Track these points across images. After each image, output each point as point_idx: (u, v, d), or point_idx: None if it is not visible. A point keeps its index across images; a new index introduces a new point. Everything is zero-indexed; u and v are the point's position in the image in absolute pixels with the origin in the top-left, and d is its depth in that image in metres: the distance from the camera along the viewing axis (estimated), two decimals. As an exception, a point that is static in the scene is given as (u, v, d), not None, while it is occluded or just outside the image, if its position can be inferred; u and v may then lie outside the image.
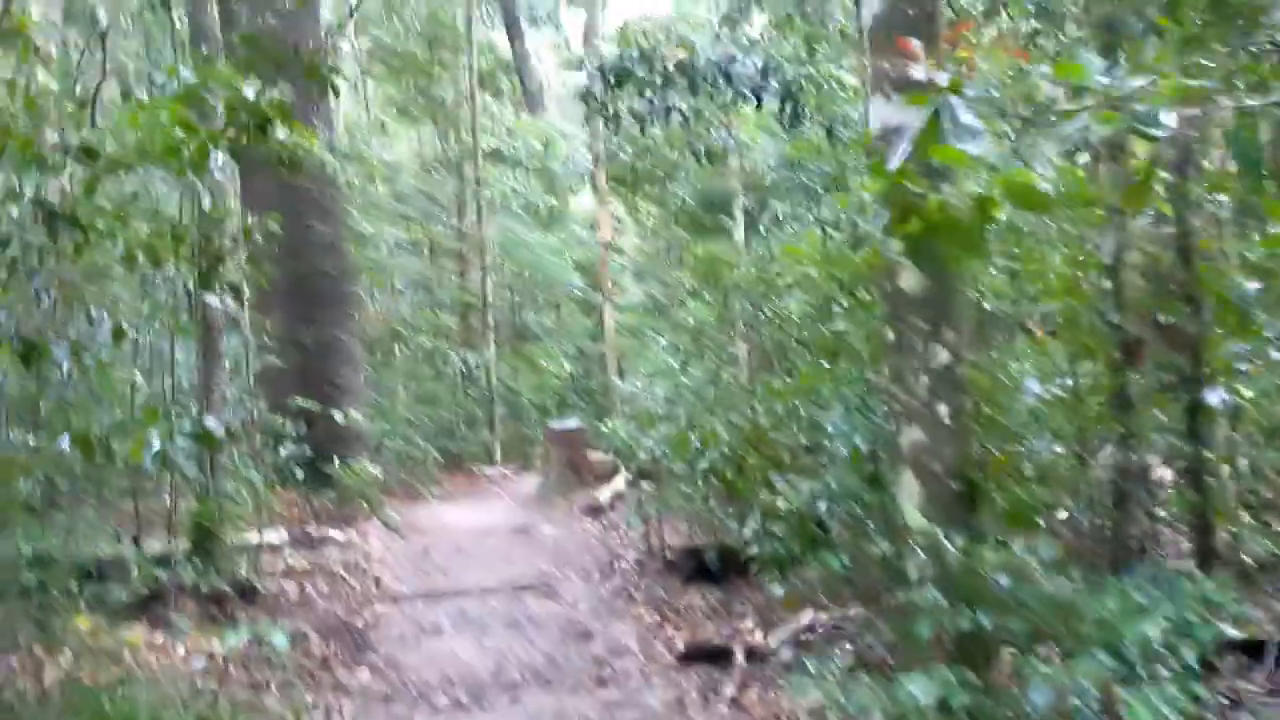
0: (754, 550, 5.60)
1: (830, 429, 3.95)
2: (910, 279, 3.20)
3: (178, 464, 3.69)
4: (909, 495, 3.30)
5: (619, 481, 13.76)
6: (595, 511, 12.12)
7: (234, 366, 11.69)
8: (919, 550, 3.26)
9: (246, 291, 9.61)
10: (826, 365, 4.71)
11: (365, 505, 12.50)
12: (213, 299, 6.91)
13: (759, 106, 9.32)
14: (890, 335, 3.33)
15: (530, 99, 30.96)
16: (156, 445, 3.53)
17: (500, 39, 31.72)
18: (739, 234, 14.29)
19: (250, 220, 10.70)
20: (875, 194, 4.64)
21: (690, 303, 18.44)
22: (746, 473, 4.90)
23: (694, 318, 13.12)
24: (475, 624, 7.52)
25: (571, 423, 14.52)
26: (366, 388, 17.05)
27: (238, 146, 3.95)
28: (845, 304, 4.16)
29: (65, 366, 3.53)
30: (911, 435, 3.23)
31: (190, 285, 6.88)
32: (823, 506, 4.21)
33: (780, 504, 4.84)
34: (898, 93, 3.19)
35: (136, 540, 7.36)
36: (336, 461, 11.91)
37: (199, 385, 8.56)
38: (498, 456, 20.21)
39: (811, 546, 4.58)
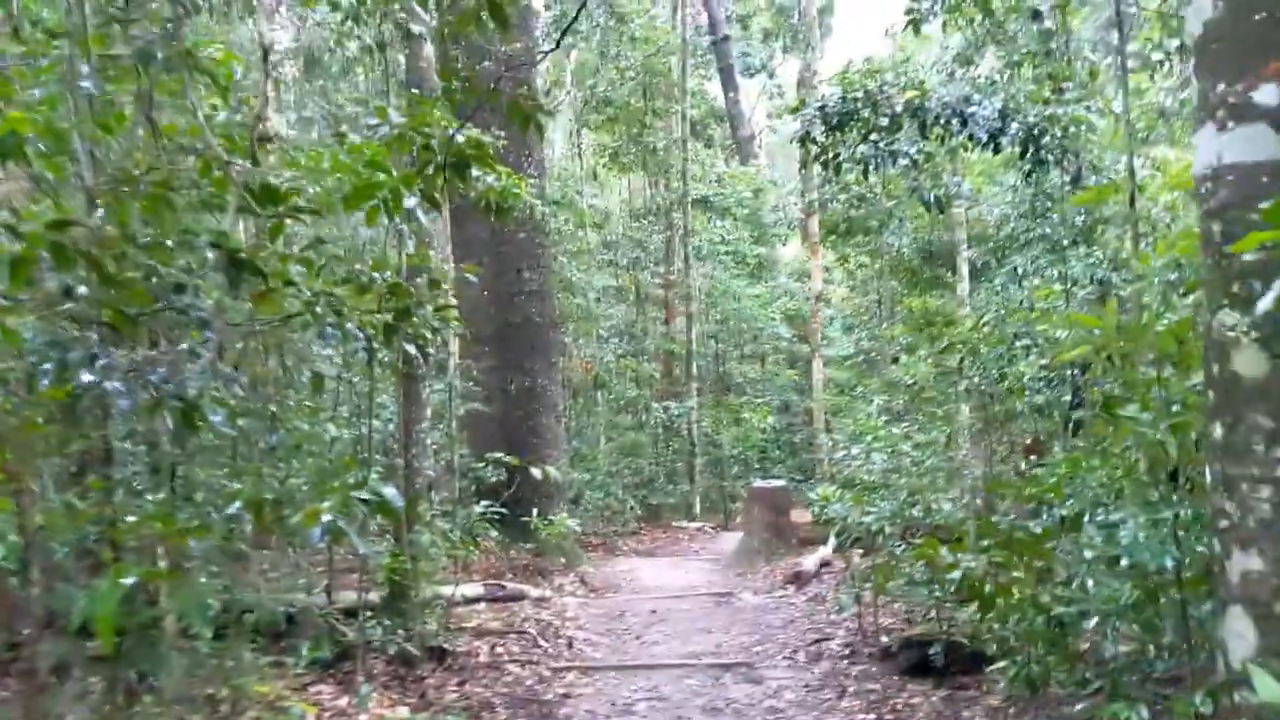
0: (998, 659, 4.80)
1: (1123, 538, 3.20)
2: (1252, 362, 2.45)
3: (349, 535, 3.28)
4: (1237, 640, 2.52)
5: (826, 548, 12.97)
6: (799, 580, 11.38)
7: (436, 413, 11.67)
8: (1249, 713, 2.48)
9: (451, 339, 9.48)
10: (1099, 455, 3.96)
11: (562, 559, 12.20)
12: (410, 347, 6.68)
13: (996, 151, 8.51)
14: (1218, 431, 2.58)
15: (741, 147, 30.74)
16: (327, 517, 3.18)
17: (713, 88, 31.71)
18: (963, 288, 13.33)
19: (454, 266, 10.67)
20: (1178, 248, 3.84)
21: (905, 358, 17.53)
22: (1005, 585, 4.18)
23: (911, 375, 12.29)
24: (670, 706, 6.94)
25: (777, 481, 13.84)
26: (567, 436, 16.94)
27: (432, 189, 3.61)
28: (1129, 383, 3.46)
29: (219, 420, 3.26)
30: (1245, 564, 2.46)
31: (376, 332, 6.71)
32: (1105, 635, 3.43)
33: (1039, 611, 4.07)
34: (1238, 122, 2.47)
35: (329, 591, 7.18)
36: (535, 513, 11.65)
37: (400, 433, 8.41)
38: (697, 511, 19.69)
39: (1081, 681, 3.80)
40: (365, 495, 3.47)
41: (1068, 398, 10.48)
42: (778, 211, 23.12)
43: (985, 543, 4.38)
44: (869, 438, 8.26)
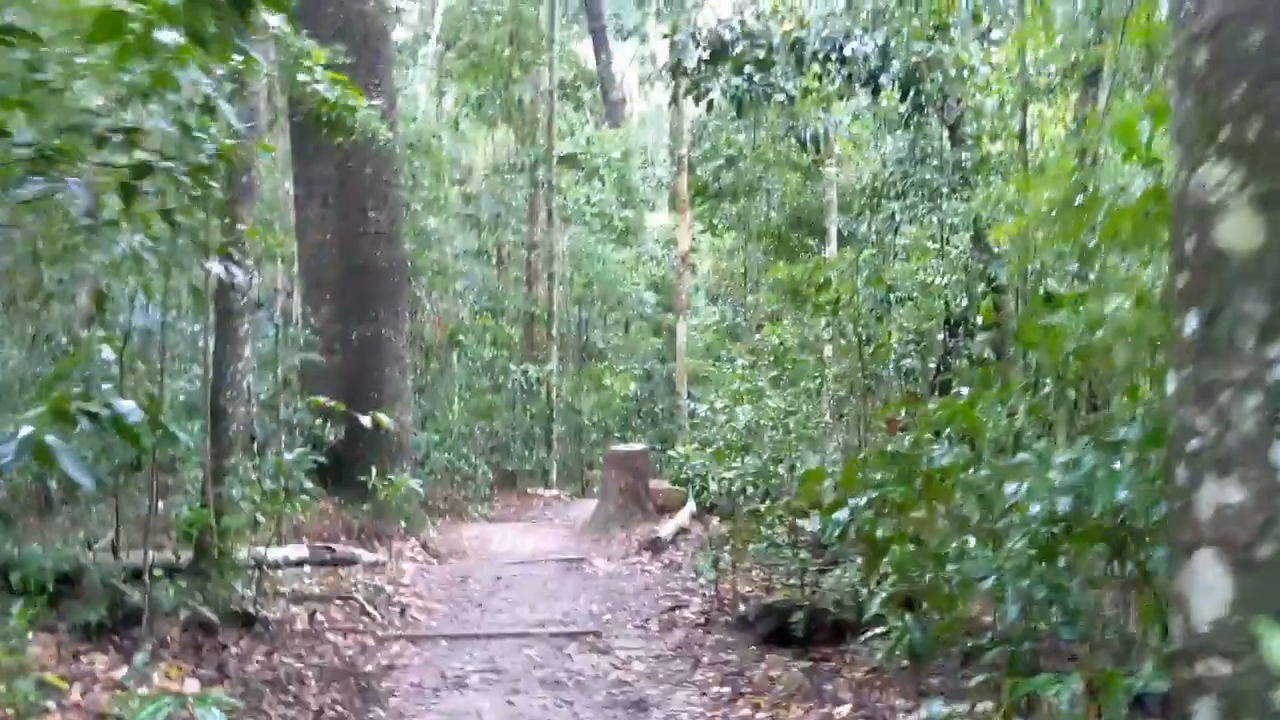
0: (874, 624, 4.24)
1: (1061, 474, 2.66)
2: (1243, 230, 1.87)
3: (60, 458, 2.46)
4: (1204, 595, 1.96)
5: (684, 514, 12.46)
6: (656, 547, 10.81)
7: (266, 362, 10.66)
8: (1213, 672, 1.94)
9: (280, 276, 8.52)
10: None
11: (404, 522, 11.33)
12: (216, 266, 5.76)
13: (876, 93, 8.01)
14: (1190, 325, 2.00)
15: (611, 112, 30.03)
16: (26, 430, 2.36)
17: (583, 50, 30.88)
18: (830, 251, 12.93)
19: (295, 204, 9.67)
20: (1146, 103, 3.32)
21: (769, 326, 17.16)
22: (900, 532, 3.62)
23: (778, 337, 11.82)
24: (507, 678, 6.24)
25: (635, 446, 13.24)
26: (415, 394, 15.99)
27: (202, 26, 2.79)
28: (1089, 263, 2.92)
29: None
30: (1220, 495, 1.88)
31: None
32: (1010, 591, 2.88)
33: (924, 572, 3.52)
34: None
35: (115, 549, 6.22)
36: (373, 472, 10.75)
37: (209, 377, 7.43)
38: (554, 478, 19.00)
39: (977, 648, 3.27)
40: (94, 409, 2.65)
41: (934, 362, 10.15)
42: (646, 170, 22.43)
43: (879, 476, 3.80)
44: (734, 390, 7.70)
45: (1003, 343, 8.13)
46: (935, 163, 7.78)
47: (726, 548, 7.53)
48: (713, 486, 7.27)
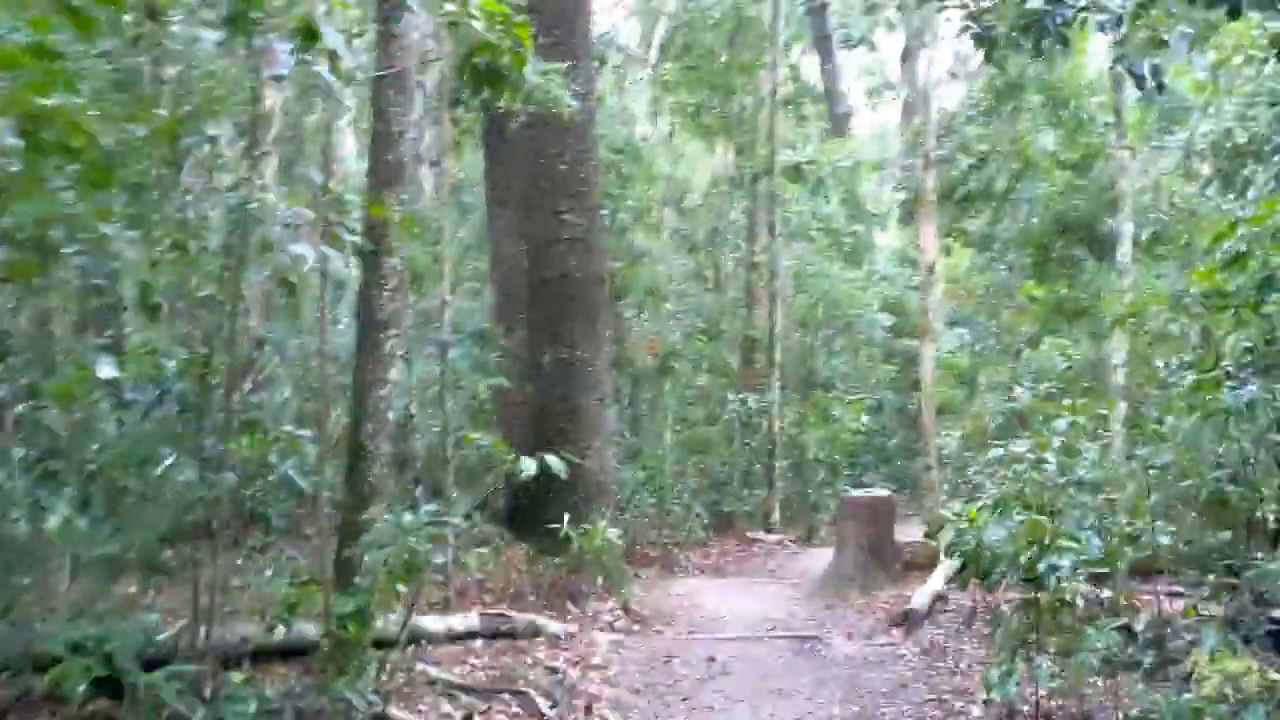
0: None
1: None
2: None
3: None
4: None
5: (938, 576, 10.20)
6: (909, 621, 8.65)
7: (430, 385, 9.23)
8: None
9: (446, 280, 7.00)
10: None
11: (600, 579, 9.61)
12: (303, 248, 4.17)
13: (1234, 15, 5.69)
14: None
15: (837, 124, 27.95)
16: None
17: (806, 64, 28.94)
18: (1124, 255, 10.39)
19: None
20: None
21: (1030, 351, 14.61)
22: None
23: (1063, 357, 9.42)
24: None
25: (878, 491, 11.06)
26: (622, 427, 14.35)
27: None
28: None
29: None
30: None
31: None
32: None
33: None
34: None
35: (196, 633, 4.71)
36: (567, 519, 9.09)
37: (352, 398, 5.91)
38: (776, 521, 16.92)
39: None
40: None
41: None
42: (878, 184, 20.09)
43: None
44: (1038, 427, 5.54)
45: None
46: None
47: (1024, 649, 5.33)
48: (1002, 563, 5.09)
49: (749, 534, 16.15)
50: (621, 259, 14.84)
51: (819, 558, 13.69)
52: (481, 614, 7.37)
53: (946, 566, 10.80)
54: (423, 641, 6.77)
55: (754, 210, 20.26)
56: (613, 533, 8.87)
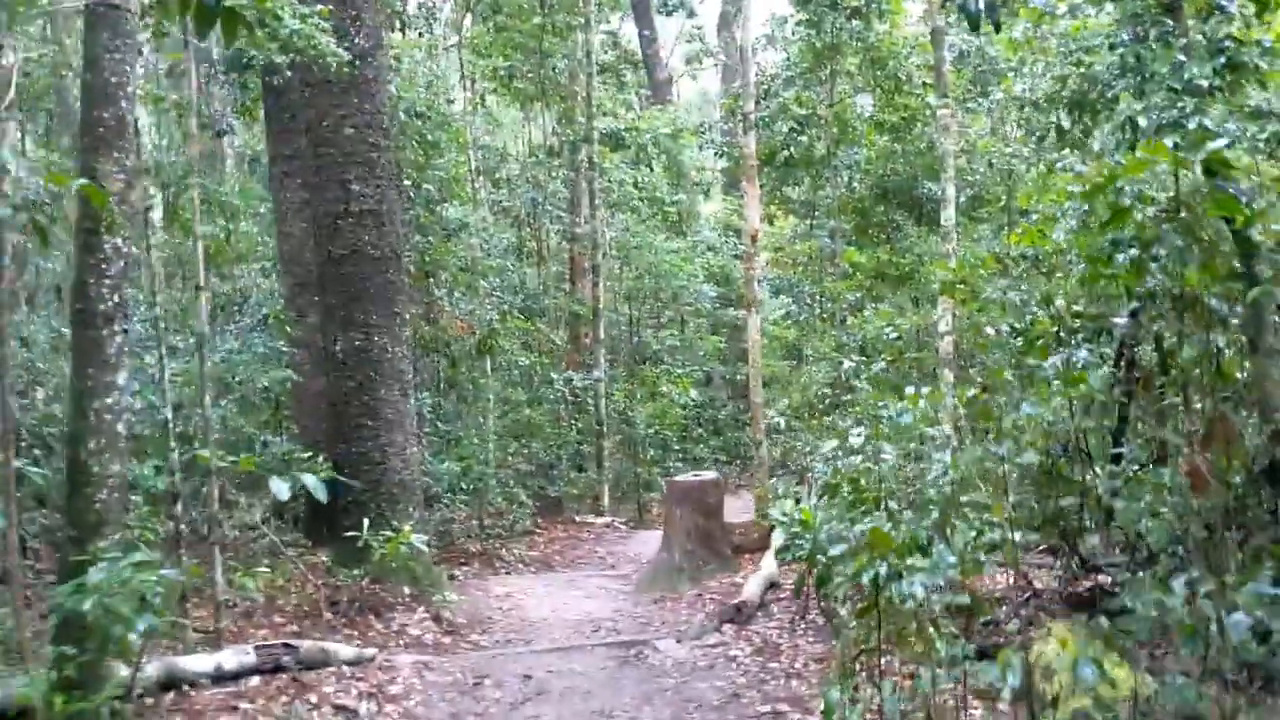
0: None
1: None
2: None
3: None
4: None
5: (770, 561, 9.73)
6: (740, 614, 8.08)
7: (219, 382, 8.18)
8: None
9: (200, 262, 5.95)
10: None
11: (409, 589, 8.71)
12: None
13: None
14: None
15: (657, 91, 27.45)
16: None
17: (625, 30, 28.28)
18: (949, 222, 10.08)
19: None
20: None
21: (856, 317, 14.33)
22: None
23: (889, 327, 9.03)
24: None
25: (705, 474, 10.50)
26: (435, 414, 13.41)
27: None
28: None
29: None
30: None
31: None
32: None
33: None
34: None
35: None
36: (366, 525, 8.14)
37: (71, 411, 4.84)
38: (605, 503, 16.31)
39: None
40: None
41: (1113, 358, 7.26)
42: (705, 135, 19.61)
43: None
44: (868, 406, 4.98)
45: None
46: (1183, 44, 4.96)
47: (865, 661, 4.76)
48: (841, 562, 4.49)
49: (578, 519, 15.49)
50: (433, 234, 13.83)
51: (649, 540, 13.13)
52: (259, 646, 6.38)
53: (775, 549, 10.38)
54: (184, 687, 5.77)
55: (575, 180, 19.49)
56: (418, 538, 7.96)
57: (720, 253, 22.72)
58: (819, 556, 4.79)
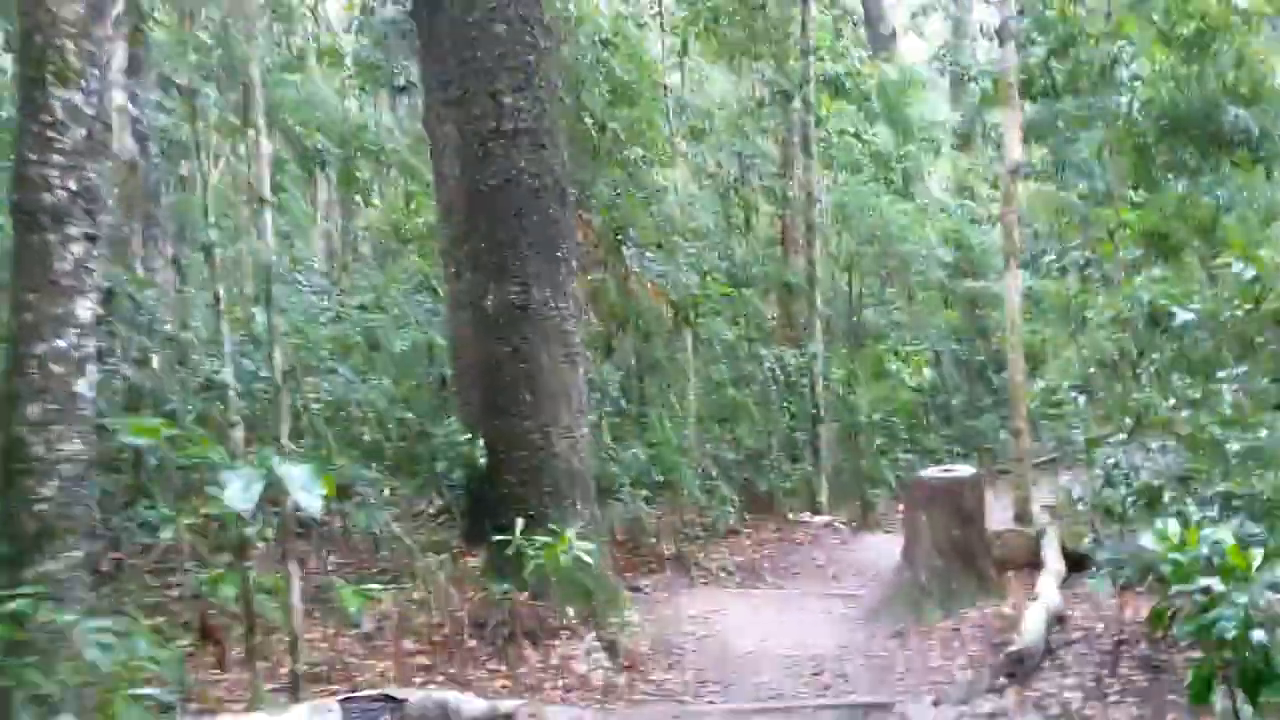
0: None
1: None
2: None
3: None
4: None
5: (1048, 582, 7.34)
6: (1022, 666, 5.76)
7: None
8: None
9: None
10: None
11: (574, 608, 6.83)
12: None
13: None
14: None
15: (878, 45, 24.96)
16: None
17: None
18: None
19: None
20: None
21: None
22: None
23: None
24: None
25: (959, 469, 8.10)
26: (623, 393, 11.55)
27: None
28: None
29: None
30: None
31: None
32: None
33: None
34: None
35: None
36: (520, 526, 6.29)
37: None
38: (823, 500, 14.06)
39: None
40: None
41: None
42: (945, 58, 16.98)
43: None
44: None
45: None
46: None
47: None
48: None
49: (790, 516, 13.33)
50: (622, 187, 11.97)
51: (876, 547, 10.92)
52: (347, 698, 4.59)
53: (1055, 563, 7.95)
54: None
55: (788, 136, 17.27)
56: (582, 548, 6.05)
57: (953, 216, 20.00)
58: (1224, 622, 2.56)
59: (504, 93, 6.89)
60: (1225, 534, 2.75)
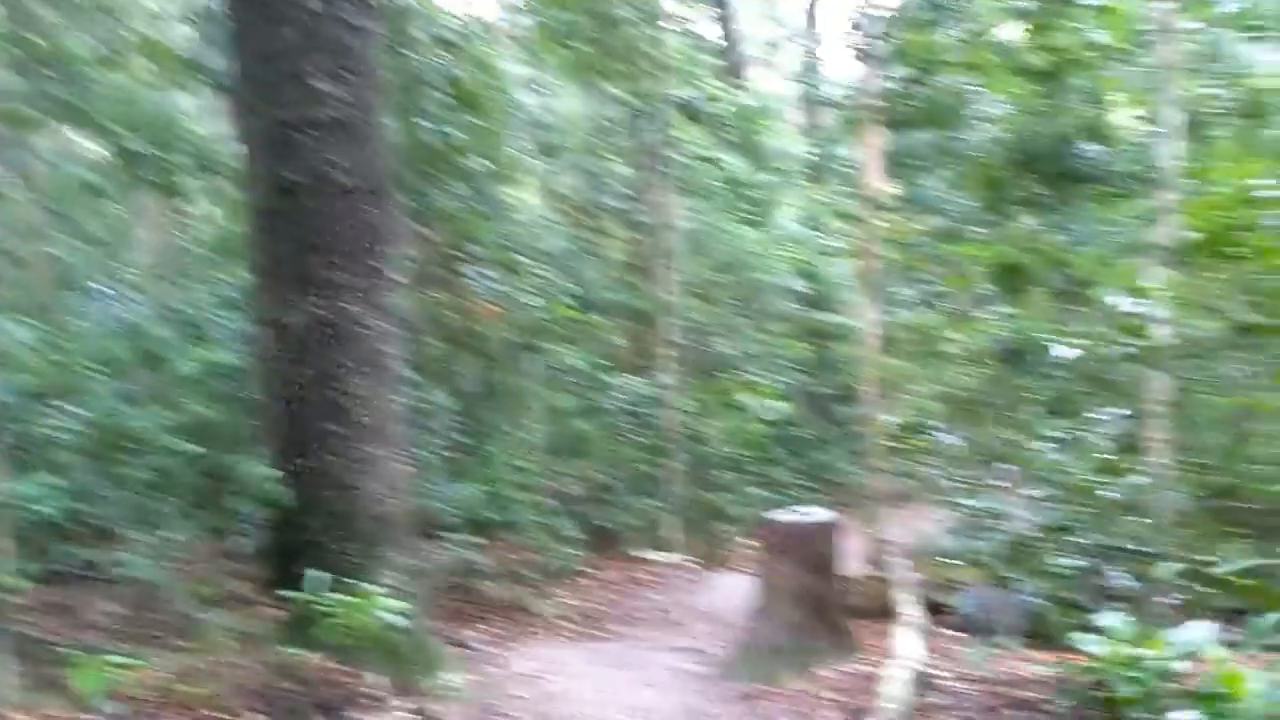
0: None
1: None
2: None
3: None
4: None
5: (909, 635, 6.82)
6: (884, 738, 5.14)
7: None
8: None
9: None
10: None
11: (387, 671, 5.90)
12: None
13: None
14: None
15: (734, 73, 24.91)
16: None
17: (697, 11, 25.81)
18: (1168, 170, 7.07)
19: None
20: None
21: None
22: None
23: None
24: None
25: (816, 513, 7.48)
26: (459, 423, 10.64)
27: None
28: None
29: None
30: None
31: None
32: None
33: None
34: None
35: None
36: (308, 578, 5.35)
37: None
38: (673, 535, 13.42)
39: None
40: None
41: None
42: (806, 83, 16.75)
43: None
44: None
45: None
46: None
47: None
48: None
49: (637, 555, 12.63)
50: (460, 199, 11.10)
51: (724, 588, 10.34)
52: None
53: (913, 612, 7.46)
54: None
55: (641, 158, 16.71)
56: (390, 608, 5.15)
57: (805, 247, 19.83)
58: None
59: (314, 75, 5.97)
60: (1200, 634, 2.12)
